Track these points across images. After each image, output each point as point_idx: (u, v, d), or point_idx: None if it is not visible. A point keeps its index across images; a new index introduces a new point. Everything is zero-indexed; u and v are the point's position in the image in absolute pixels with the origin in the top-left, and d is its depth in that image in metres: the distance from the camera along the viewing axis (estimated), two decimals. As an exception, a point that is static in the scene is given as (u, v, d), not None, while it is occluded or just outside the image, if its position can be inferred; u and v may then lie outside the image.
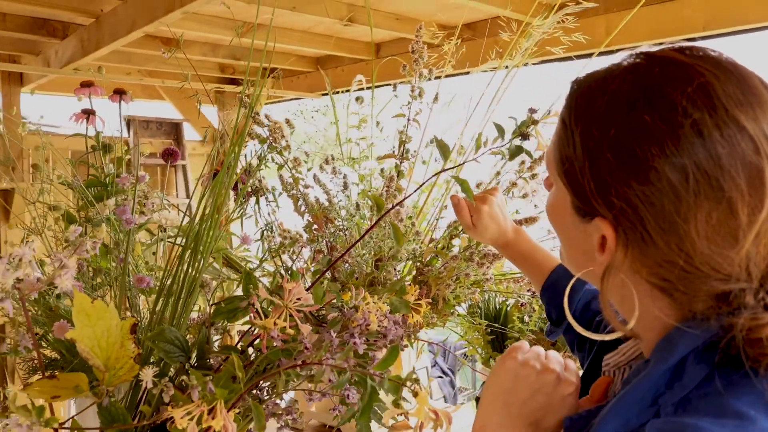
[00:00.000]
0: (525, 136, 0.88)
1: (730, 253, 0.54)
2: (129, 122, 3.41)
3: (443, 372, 4.31)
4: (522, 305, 1.51)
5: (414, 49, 1.30)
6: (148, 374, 0.82)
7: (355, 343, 0.84)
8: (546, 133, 0.93)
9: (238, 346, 0.97)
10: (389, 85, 2.87)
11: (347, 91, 1.84)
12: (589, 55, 1.83)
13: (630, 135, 0.55)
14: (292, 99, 3.51)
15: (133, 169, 1.37)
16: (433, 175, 1.00)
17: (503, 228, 1.08)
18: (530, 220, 1.18)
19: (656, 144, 0.54)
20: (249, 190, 1.83)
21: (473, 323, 1.58)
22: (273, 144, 1.24)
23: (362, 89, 1.80)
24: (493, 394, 0.72)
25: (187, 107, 3.73)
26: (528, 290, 1.50)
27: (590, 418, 0.63)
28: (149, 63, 3.04)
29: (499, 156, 1.42)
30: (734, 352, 0.55)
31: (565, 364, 0.73)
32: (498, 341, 1.57)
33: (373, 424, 1.55)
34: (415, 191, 1.03)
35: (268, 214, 1.89)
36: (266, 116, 1.27)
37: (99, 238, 1.27)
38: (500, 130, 0.92)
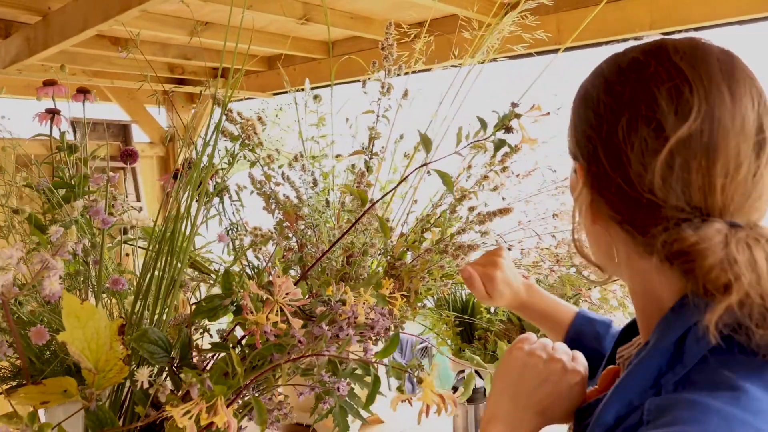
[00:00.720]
0: (508, 129, 0.90)
1: (658, 172, 0.60)
2: (74, 125, 3.30)
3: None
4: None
5: (384, 46, 1.32)
6: (144, 374, 0.81)
7: (348, 335, 0.85)
8: (528, 126, 0.96)
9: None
10: (345, 83, 2.87)
11: (302, 89, 1.84)
12: (545, 53, 1.88)
13: (595, 96, 0.66)
14: (244, 99, 3.47)
15: (84, 170, 1.34)
16: (416, 168, 1.02)
17: (517, 289, 1.07)
18: (504, 211, 1.21)
19: (610, 95, 0.64)
20: (214, 190, 1.81)
21: (442, 316, 1.61)
22: (245, 141, 1.24)
23: (318, 87, 1.80)
24: (502, 384, 0.75)
25: (135, 109, 3.65)
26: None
27: (589, 410, 0.67)
28: (95, 63, 2.97)
29: (467, 150, 1.46)
30: (726, 332, 0.57)
31: (572, 355, 0.76)
32: (467, 332, 1.60)
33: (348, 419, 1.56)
34: (398, 184, 1.04)
35: (233, 213, 1.88)
36: (238, 113, 1.27)
37: (70, 240, 1.24)
38: (483, 124, 0.94)
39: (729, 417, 0.53)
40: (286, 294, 0.93)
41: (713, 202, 0.60)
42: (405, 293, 1.40)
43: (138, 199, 3.42)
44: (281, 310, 0.91)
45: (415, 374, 0.70)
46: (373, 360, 0.72)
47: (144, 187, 3.48)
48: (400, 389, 0.70)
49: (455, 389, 1.30)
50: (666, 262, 0.62)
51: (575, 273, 1.42)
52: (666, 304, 0.64)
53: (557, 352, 0.75)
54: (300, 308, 0.99)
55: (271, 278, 0.94)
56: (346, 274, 1.45)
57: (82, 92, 1.40)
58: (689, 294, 0.61)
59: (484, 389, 1.31)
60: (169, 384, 0.83)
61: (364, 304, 0.99)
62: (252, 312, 0.88)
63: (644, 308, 0.68)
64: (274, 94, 3.31)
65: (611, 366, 0.77)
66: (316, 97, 1.88)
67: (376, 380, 0.70)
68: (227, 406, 0.80)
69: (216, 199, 1.94)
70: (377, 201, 1.00)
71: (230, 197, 1.90)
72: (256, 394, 0.96)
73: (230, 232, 1.63)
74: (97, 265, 1.15)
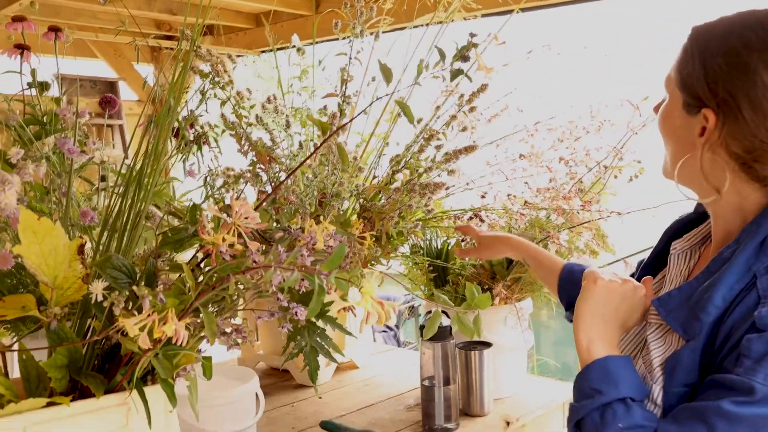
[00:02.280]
0: (465, 59, 0.91)
1: None
2: (60, 80, 3.30)
3: (387, 326, 4.39)
4: (463, 240, 1.56)
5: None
6: (98, 287, 0.82)
7: (302, 255, 0.86)
8: (486, 57, 0.96)
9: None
10: (332, 41, 2.86)
11: (287, 47, 1.84)
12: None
13: (739, 47, 0.80)
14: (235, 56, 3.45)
15: (85, 132, 1.34)
16: (377, 99, 1.03)
17: (508, 242, 1.32)
18: (469, 149, 1.22)
19: (757, 53, 0.78)
20: (190, 136, 1.81)
21: (417, 262, 1.63)
22: (215, 79, 1.24)
23: (307, 45, 1.80)
24: (591, 311, 0.91)
25: (122, 66, 3.63)
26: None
27: (679, 296, 0.85)
28: (79, 18, 2.95)
29: (438, 91, 1.46)
30: None
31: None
32: (440, 278, 1.61)
33: (321, 362, 1.58)
34: (360, 113, 1.05)
35: (211, 160, 1.89)
36: (208, 51, 1.27)
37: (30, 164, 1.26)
38: (441, 54, 0.94)
39: None
40: (246, 218, 0.95)
41: None
42: (375, 234, 1.42)
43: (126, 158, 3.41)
44: (240, 234, 0.93)
45: (358, 285, 0.71)
46: (318, 270, 0.73)
47: (133, 146, 3.48)
48: (343, 298, 0.72)
49: (422, 327, 1.32)
50: (763, 187, 0.83)
51: (544, 217, 1.43)
52: (750, 214, 0.84)
53: (622, 276, 0.94)
54: (261, 234, 1.00)
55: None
56: (319, 216, 1.47)
57: (54, 30, 1.39)
58: None
59: (450, 328, 1.33)
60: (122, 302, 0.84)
61: (323, 230, 1.01)
62: (209, 233, 0.90)
63: (731, 218, 0.87)
64: (262, 52, 3.30)
65: (646, 277, 0.97)
66: (299, 50, 1.88)
67: (321, 290, 0.72)
68: (179, 320, 0.82)
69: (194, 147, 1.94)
70: (337, 129, 1.01)
71: (208, 144, 1.91)
72: (217, 318, 0.98)
73: (208, 179, 1.64)
74: (65, 197, 1.16)
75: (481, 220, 1.55)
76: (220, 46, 3.37)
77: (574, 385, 0.89)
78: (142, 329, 0.79)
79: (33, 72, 1.32)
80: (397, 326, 4.38)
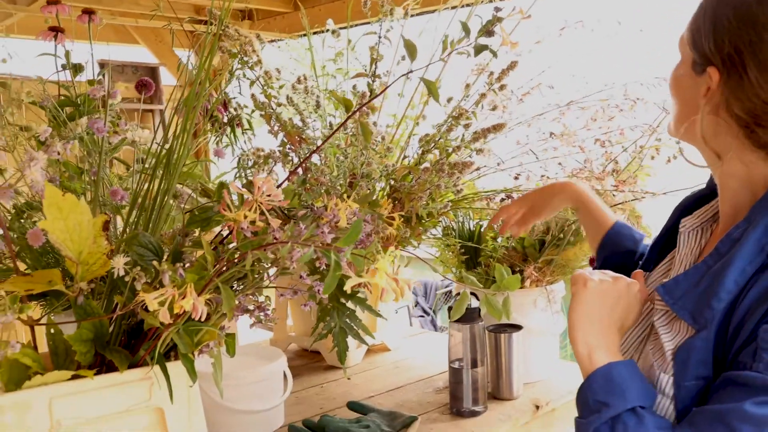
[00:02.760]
0: (490, 34, 0.89)
1: None
2: (102, 66, 3.36)
3: (424, 311, 4.39)
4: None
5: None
6: (119, 262, 0.83)
7: (323, 232, 0.86)
8: (509, 29, 0.94)
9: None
10: (365, 23, 2.85)
11: (323, 31, 1.84)
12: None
13: (749, 5, 0.74)
14: (270, 41, 3.46)
15: (117, 114, 1.36)
16: (402, 75, 1.01)
17: (551, 196, 1.25)
18: (498, 127, 1.20)
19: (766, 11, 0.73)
20: (224, 118, 1.83)
21: (447, 244, 1.61)
22: (243, 59, 1.24)
23: (343, 28, 1.79)
24: (586, 316, 0.85)
25: (163, 51, 3.67)
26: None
27: (686, 282, 0.79)
28: (121, 3, 2.99)
29: (469, 71, 1.44)
30: None
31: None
32: (472, 260, 1.60)
33: (351, 345, 1.58)
34: (384, 90, 1.04)
35: (244, 142, 1.90)
36: (236, 30, 1.27)
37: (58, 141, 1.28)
38: (466, 29, 0.92)
39: None
40: (268, 195, 0.94)
41: None
42: (405, 215, 1.41)
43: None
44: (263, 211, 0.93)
45: (372, 263, 0.71)
46: (334, 246, 0.73)
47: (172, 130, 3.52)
48: (359, 274, 0.71)
49: (450, 309, 1.31)
50: None
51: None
52: (760, 190, 0.78)
53: (613, 273, 0.88)
54: (284, 212, 1.00)
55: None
56: (349, 197, 1.46)
57: (87, 13, 1.41)
58: None
59: (479, 310, 1.31)
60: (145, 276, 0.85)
61: (347, 208, 1.00)
62: (230, 210, 0.90)
63: (738, 192, 0.81)
64: (301, 36, 3.30)
65: (637, 271, 0.93)
66: (333, 32, 1.87)
67: (336, 266, 0.71)
68: (198, 295, 0.82)
69: (228, 129, 1.96)
70: (362, 106, 1.00)
71: (241, 126, 1.92)
72: (240, 295, 0.99)
73: (240, 161, 1.65)
74: (95, 176, 1.18)
75: (514, 202, 1.53)
76: (258, 30, 3.38)
77: (577, 399, 0.83)
78: (162, 304, 0.80)
79: (67, 54, 1.34)
80: (434, 311, 4.37)
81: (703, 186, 0.96)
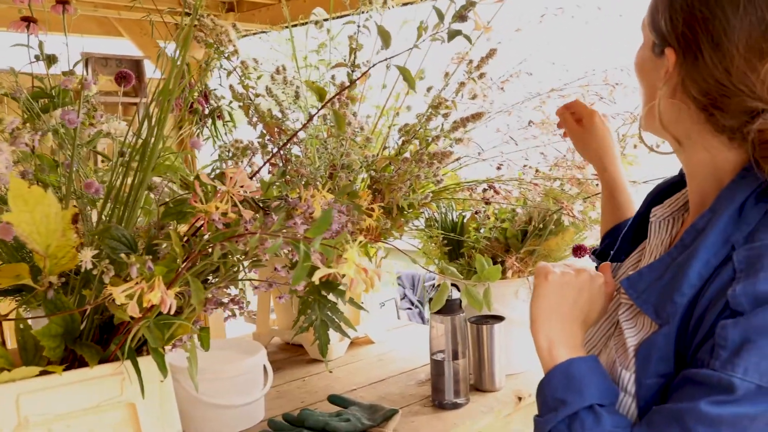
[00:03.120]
0: (463, 19, 0.88)
1: (758, 70, 0.67)
2: (86, 60, 3.33)
3: (412, 303, 4.39)
4: (476, 213, 1.53)
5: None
6: (86, 255, 0.82)
7: (294, 224, 0.85)
8: (488, 16, 0.93)
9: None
10: (349, 15, 2.83)
11: (306, 23, 1.82)
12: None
13: None
14: (257, 33, 3.43)
15: (93, 105, 1.34)
16: (376, 63, 1.00)
17: (612, 147, 1.16)
18: (477, 116, 1.19)
19: None
20: (205, 110, 1.81)
21: (430, 235, 1.60)
22: (219, 48, 1.22)
23: (325, 20, 1.78)
24: (547, 310, 0.83)
25: (147, 44, 3.64)
26: (482, 198, 1.52)
27: (650, 274, 0.76)
28: (104, -5, 2.96)
29: (450, 61, 1.42)
30: None
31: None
32: (454, 251, 1.59)
33: (334, 338, 1.57)
34: (361, 75, 1.02)
35: (225, 134, 1.88)
36: (212, 20, 1.25)
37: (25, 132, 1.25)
38: (440, 14, 0.91)
39: None
40: (241, 186, 0.93)
41: None
42: (385, 206, 1.39)
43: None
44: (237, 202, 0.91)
45: (341, 251, 0.69)
46: (303, 236, 0.71)
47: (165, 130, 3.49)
48: (328, 265, 0.69)
49: (431, 300, 1.30)
50: (734, 140, 0.72)
51: (558, 187, 1.39)
52: (726, 177, 0.74)
53: (576, 266, 0.85)
54: (257, 203, 0.99)
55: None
56: (330, 189, 1.45)
57: (61, 3, 1.38)
58: (750, 165, 0.71)
59: (460, 301, 1.30)
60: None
61: (321, 199, 0.99)
62: (201, 201, 0.89)
63: (704, 180, 0.77)
64: (286, 27, 3.27)
65: (604, 263, 0.91)
66: (317, 23, 1.85)
67: (305, 257, 0.70)
68: (168, 288, 0.81)
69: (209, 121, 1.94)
70: (336, 94, 0.98)
71: (222, 119, 1.90)
72: (215, 288, 0.97)
73: (222, 153, 1.63)
74: (68, 168, 1.16)
75: (496, 192, 1.52)
76: (244, 21, 3.36)
77: (536, 396, 0.80)
78: (131, 297, 0.78)
79: (41, 45, 1.32)
80: (421, 303, 4.36)
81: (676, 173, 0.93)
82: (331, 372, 1.54)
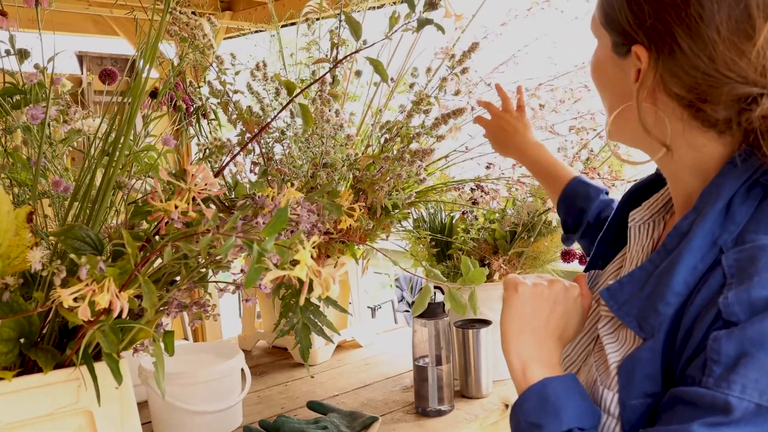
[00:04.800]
0: (433, 6, 0.83)
1: (746, 53, 0.60)
2: (81, 58, 3.30)
3: (410, 305, 4.33)
4: (464, 213, 1.48)
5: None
6: (35, 256, 0.78)
7: (257, 223, 0.81)
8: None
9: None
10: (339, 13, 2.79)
11: (294, 23, 1.78)
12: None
13: None
14: (254, 32, 3.39)
15: (87, 103, 1.31)
16: (348, 55, 0.96)
17: (530, 132, 1.18)
18: (458, 112, 1.14)
19: None
20: (187, 107, 1.77)
21: (418, 236, 1.56)
22: (194, 42, 1.19)
23: (317, 19, 1.75)
24: (518, 326, 0.76)
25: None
26: (469, 198, 1.47)
27: (631, 284, 0.69)
28: (98, -6, 2.93)
29: (434, 56, 1.38)
30: None
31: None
32: (442, 253, 1.54)
33: (319, 342, 1.53)
34: (331, 68, 0.98)
35: (210, 132, 1.84)
36: (184, 13, 1.21)
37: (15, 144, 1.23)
38: (411, 4, 0.87)
39: None
40: (205, 184, 0.89)
41: None
42: (368, 206, 1.35)
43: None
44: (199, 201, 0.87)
45: (293, 253, 0.65)
46: (257, 236, 0.67)
47: (155, 128, 3.46)
48: (282, 267, 0.65)
49: (410, 304, 1.26)
50: (724, 134, 0.65)
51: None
52: (710, 174, 0.67)
53: (549, 276, 0.79)
54: (221, 200, 0.95)
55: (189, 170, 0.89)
56: (312, 188, 1.41)
57: (34, -4, 1.34)
58: (737, 157, 0.65)
59: (443, 304, 1.26)
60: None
61: (290, 198, 0.95)
62: (161, 199, 0.84)
63: (688, 182, 0.70)
64: (283, 26, 3.24)
65: (579, 274, 0.84)
66: (307, 19, 1.82)
67: (258, 258, 0.66)
68: (122, 290, 0.77)
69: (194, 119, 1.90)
70: (305, 89, 0.94)
71: (207, 117, 1.86)
72: (176, 290, 0.93)
73: (206, 151, 1.59)
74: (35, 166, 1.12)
75: (484, 192, 1.48)
76: (238, 21, 3.32)
77: (510, 419, 0.73)
78: (82, 299, 0.74)
79: (11, 39, 1.28)
80: (419, 306, 4.32)
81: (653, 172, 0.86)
82: (312, 377, 1.50)
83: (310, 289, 0.67)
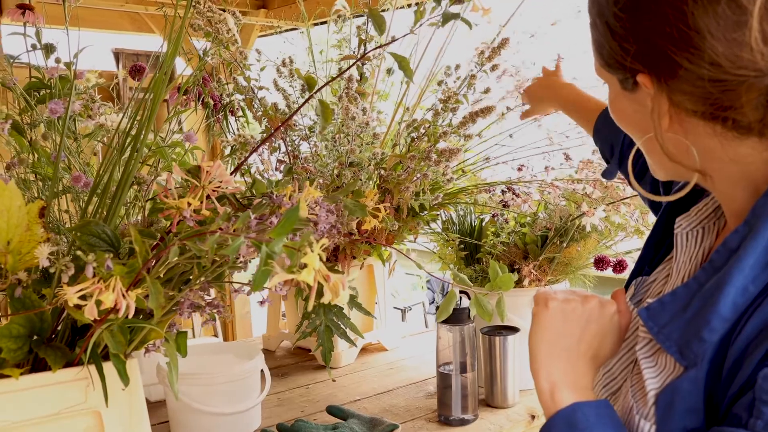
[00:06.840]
0: (459, 0, 0.79)
1: (745, 42, 0.54)
2: (117, 55, 3.34)
3: (440, 309, 4.26)
4: (494, 216, 1.44)
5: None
6: (43, 251, 0.76)
7: (271, 222, 0.77)
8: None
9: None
10: (384, 11, 2.77)
11: (325, 21, 1.76)
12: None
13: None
14: (288, 30, 3.38)
15: (122, 99, 1.30)
16: (372, 50, 0.92)
17: (561, 78, 1.21)
18: (486, 111, 1.10)
19: None
20: (215, 104, 1.76)
21: (447, 238, 1.51)
22: (217, 36, 1.16)
23: (359, 16, 1.73)
24: (548, 345, 0.71)
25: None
26: (500, 200, 1.43)
27: (673, 304, 0.62)
28: (135, -9, 2.94)
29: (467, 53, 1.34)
30: None
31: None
32: (471, 257, 1.50)
33: (343, 344, 1.50)
34: (354, 63, 0.95)
35: (237, 129, 1.82)
36: (208, 7, 1.19)
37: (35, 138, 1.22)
38: (437, -2, 0.83)
39: None
40: (220, 182, 0.87)
41: None
42: (392, 206, 1.31)
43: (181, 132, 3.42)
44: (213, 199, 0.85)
45: (301, 255, 0.62)
46: (266, 237, 0.64)
47: (186, 124, 3.48)
48: (290, 270, 0.62)
49: (438, 308, 1.22)
50: (765, 136, 0.58)
51: (581, 190, 1.29)
52: (760, 185, 0.61)
53: (583, 291, 0.74)
54: (237, 199, 0.92)
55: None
56: (338, 187, 1.38)
57: (63, -10, 1.34)
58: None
59: (469, 310, 1.21)
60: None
61: (308, 198, 0.92)
62: (173, 197, 0.82)
63: (738, 198, 0.64)
64: (314, 24, 3.22)
65: (617, 290, 0.76)
66: (339, 17, 1.79)
67: (267, 257, 0.63)
68: (130, 289, 0.74)
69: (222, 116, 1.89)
70: (326, 84, 0.91)
71: (235, 114, 1.85)
72: (189, 291, 0.91)
73: (233, 148, 1.57)
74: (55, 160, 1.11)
75: (515, 195, 1.43)
76: (273, 19, 3.31)
77: None
78: (89, 297, 0.72)
79: (38, 33, 1.28)
80: (451, 309, 4.26)
81: None
82: (335, 380, 1.47)
83: (320, 294, 0.64)
